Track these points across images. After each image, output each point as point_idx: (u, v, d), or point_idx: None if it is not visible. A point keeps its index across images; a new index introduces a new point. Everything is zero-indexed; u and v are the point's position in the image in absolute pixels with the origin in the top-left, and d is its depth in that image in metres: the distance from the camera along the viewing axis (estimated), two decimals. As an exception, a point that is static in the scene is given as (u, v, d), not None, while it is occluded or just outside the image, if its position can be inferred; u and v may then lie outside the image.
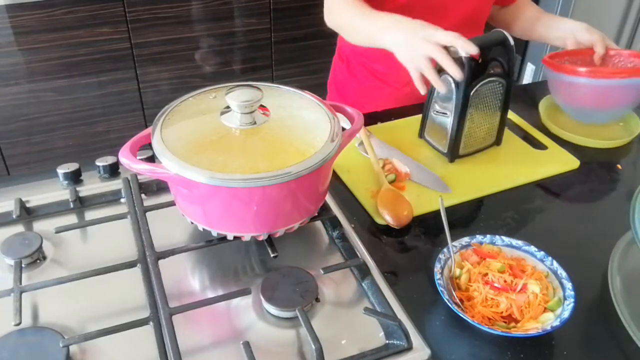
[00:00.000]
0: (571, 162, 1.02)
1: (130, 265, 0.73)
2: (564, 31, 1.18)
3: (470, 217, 0.89)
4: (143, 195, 0.86)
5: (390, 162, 0.97)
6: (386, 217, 0.85)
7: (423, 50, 0.88)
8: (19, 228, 0.82)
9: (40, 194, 0.86)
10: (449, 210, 0.86)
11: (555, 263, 0.74)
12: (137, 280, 0.72)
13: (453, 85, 0.93)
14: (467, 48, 0.87)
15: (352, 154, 1.00)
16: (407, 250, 0.83)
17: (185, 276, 0.76)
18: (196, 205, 0.73)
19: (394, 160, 0.97)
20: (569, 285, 0.70)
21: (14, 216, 0.82)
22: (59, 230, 0.78)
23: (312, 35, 2.17)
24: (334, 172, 0.96)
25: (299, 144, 0.72)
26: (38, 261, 0.77)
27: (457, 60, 0.89)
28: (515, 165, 1.00)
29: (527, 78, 2.55)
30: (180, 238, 0.81)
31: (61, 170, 0.89)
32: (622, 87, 1.03)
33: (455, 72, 0.87)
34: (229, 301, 0.70)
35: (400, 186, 0.93)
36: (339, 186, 0.94)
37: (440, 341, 0.68)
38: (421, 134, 1.05)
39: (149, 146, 0.74)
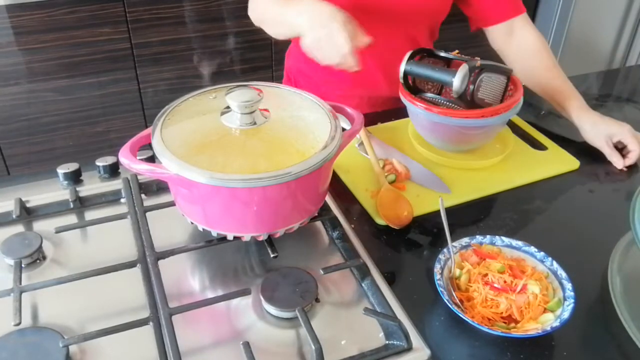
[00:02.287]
0: (571, 163, 1.01)
1: (130, 265, 0.73)
2: (597, 132, 1.05)
3: (470, 217, 0.89)
4: (143, 195, 0.86)
5: (390, 162, 0.97)
6: (386, 218, 0.85)
7: (341, 50, 0.85)
8: (19, 228, 0.82)
9: (40, 194, 0.86)
10: (449, 210, 0.86)
11: (555, 263, 0.74)
12: (137, 280, 0.72)
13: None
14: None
15: (352, 154, 1.00)
16: (407, 251, 0.83)
17: (185, 276, 0.76)
18: (196, 205, 0.73)
19: (394, 160, 0.97)
20: (568, 285, 0.70)
21: (14, 216, 0.82)
22: (59, 230, 0.78)
23: (312, 36, 2.17)
24: (334, 172, 0.96)
25: (299, 144, 0.72)
26: (38, 261, 0.77)
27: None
28: (516, 166, 1.00)
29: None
30: (180, 238, 0.81)
31: (61, 170, 0.89)
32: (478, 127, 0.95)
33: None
34: (229, 301, 0.70)
35: (400, 186, 0.93)
36: (339, 186, 0.94)
37: (440, 341, 0.68)
38: None
39: (149, 146, 0.74)
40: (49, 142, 2.05)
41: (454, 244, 0.76)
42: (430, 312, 0.72)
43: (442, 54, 1.02)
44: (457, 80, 0.91)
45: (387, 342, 0.66)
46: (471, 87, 0.93)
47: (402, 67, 0.98)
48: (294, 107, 0.79)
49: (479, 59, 0.94)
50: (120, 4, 1.88)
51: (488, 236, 0.78)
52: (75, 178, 0.89)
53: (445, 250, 0.75)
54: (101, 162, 0.90)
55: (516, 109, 0.96)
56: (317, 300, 0.71)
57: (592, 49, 2.56)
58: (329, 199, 0.86)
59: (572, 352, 0.68)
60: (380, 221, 0.86)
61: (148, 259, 0.74)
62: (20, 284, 0.71)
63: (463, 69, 0.91)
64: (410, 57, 0.99)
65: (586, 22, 2.41)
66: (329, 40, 0.85)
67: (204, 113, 0.77)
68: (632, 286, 0.74)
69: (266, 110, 0.76)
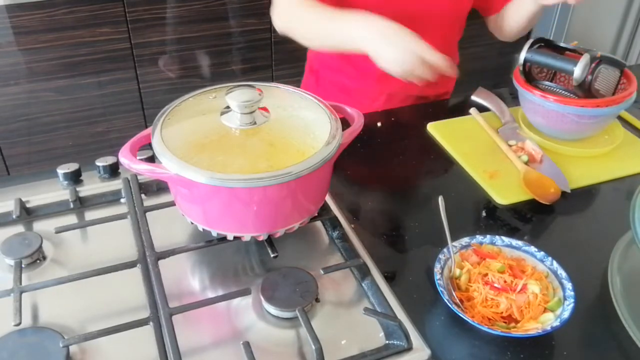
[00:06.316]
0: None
1: (130, 265, 0.73)
2: None
3: (470, 217, 0.89)
4: (143, 195, 0.86)
5: (522, 146, 1.01)
6: (537, 196, 0.90)
7: (414, 66, 0.90)
8: (19, 228, 0.82)
9: (40, 194, 0.86)
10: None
11: (555, 263, 0.74)
12: (137, 280, 0.72)
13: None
14: (450, 72, 0.92)
15: (469, 137, 1.05)
16: (407, 250, 0.83)
17: (185, 276, 0.76)
18: (196, 205, 0.73)
19: (527, 143, 1.01)
20: (569, 285, 0.70)
21: (14, 216, 0.82)
22: (59, 230, 0.78)
23: (312, 35, 2.17)
24: (450, 157, 1.01)
25: (299, 144, 0.72)
26: (38, 261, 0.77)
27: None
28: (628, 156, 1.03)
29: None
30: (180, 238, 0.81)
31: (61, 170, 0.89)
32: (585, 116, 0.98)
33: (451, 72, 0.92)
34: (229, 301, 0.70)
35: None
36: (339, 186, 0.93)
37: (440, 341, 0.68)
38: None
39: (149, 146, 0.74)
40: (49, 142, 2.05)
41: (454, 243, 0.76)
42: (430, 312, 0.72)
43: (562, 44, 1.05)
44: (578, 69, 0.95)
45: (387, 341, 0.67)
46: (589, 77, 0.96)
47: (522, 55, 1.02)
48: (294, 107, 0.79)
49: (598, 50, 0.98)
50: (120, 4, 1.88)
51: (488, 236, 0.78)
52: (75, 178, 0.89)
53: (445, 250, 0.75)
54: (101, 162, 0.90)
55: (630, 101, 0.99)
56: (317, 300, 0.71)
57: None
58: (329, 199, 0.86)
59: (572, 351, 0.68)
60: (501, 200, 0.90)
61: (148, 259, 0.74)
62: (21, 284, 0.71)
63: (584, 59, 0.95)
64: (531, 46, 1.02)
65: (586, 22, 2.41)
66: (409, 68, 0.90)
67: (204, 113, 0.77)
68: (632, 286, 0.74)
69: (266, 109, 0.76)
